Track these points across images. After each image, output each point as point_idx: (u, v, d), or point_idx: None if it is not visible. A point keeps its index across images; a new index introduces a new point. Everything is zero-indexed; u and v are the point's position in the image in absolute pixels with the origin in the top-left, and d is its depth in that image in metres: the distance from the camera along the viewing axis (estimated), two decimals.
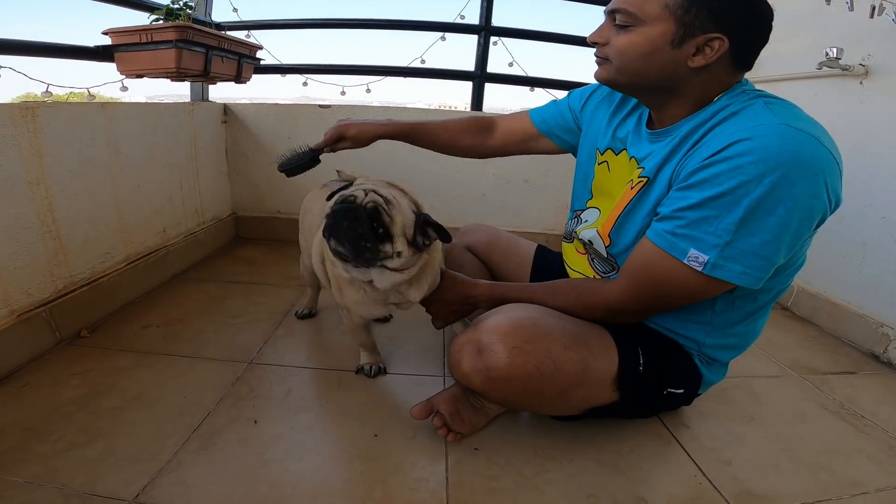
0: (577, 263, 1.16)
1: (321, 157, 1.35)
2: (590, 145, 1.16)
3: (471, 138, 1.34)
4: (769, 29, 0.86)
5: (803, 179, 0.75)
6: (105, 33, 1.64)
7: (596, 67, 0.96)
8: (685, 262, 0.82)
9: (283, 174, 1.33)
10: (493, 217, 2.46)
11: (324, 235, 0.98)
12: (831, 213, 0.82)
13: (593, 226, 1.09)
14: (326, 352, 1.42)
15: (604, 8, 0.93)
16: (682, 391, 1.04)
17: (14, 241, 1.25)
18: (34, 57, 1.48)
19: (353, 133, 1.29)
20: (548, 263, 1.36)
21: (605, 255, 1.04)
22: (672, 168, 0.89)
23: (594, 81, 0.99)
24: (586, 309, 0.98)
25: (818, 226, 0.83)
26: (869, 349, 1.67)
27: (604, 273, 1.07)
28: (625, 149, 1.05)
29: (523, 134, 1.31)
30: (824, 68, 1.79)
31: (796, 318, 1.94)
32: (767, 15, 0.85)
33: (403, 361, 1.39)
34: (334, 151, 1.33)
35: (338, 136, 1.30)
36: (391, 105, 2.58)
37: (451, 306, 1.14)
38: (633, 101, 1.08)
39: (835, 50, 1.73)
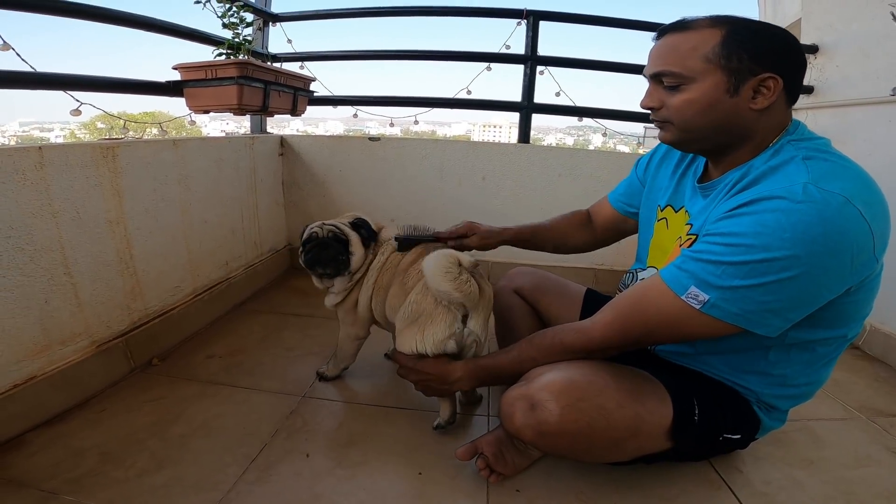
0: None
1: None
2: (651, 204, 1.16)
3: (578, 235, 1.38)
4: (805, 58, 0.87)
5: (826, 258, 0.74)
6: (175, 68, 1.75)
7: (658, 131, 0.97)
8: (683, 297, 0.82)
9: (397, 243, 1.35)
10: (536, 254, 2.44)
11: (307, 265, 1.33)
12: (869, 273, 0.80)
13: None
14: (373, 387, 1.46)
15: (643, 72, 0.94)
16: (738, 437, 1.02)
17: (96, 277, 1.37)
18: (111, 93, 1.60)
19: (482, 233, 1.32)
20: (598, 306, 1.34)
21: None
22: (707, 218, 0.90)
23: (636, 108, 0.99)
24: (567, 351, 0.98)
25: (854, 287, 0.81)
26: None
27: None
28: (683, 206, 1.05)
29: (613, 220, 1.33)
30: None
31: (867, 357, 1.83)
32: (797, 44, 0.86)
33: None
34: (458, 246, 1.31)
35: (464, 233, 1.33)
36: (437, 125, 2.63)
37: (430, 381, 1.13)
38: (688, 158, 1.09)
39: None
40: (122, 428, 1.22)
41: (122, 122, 1.68)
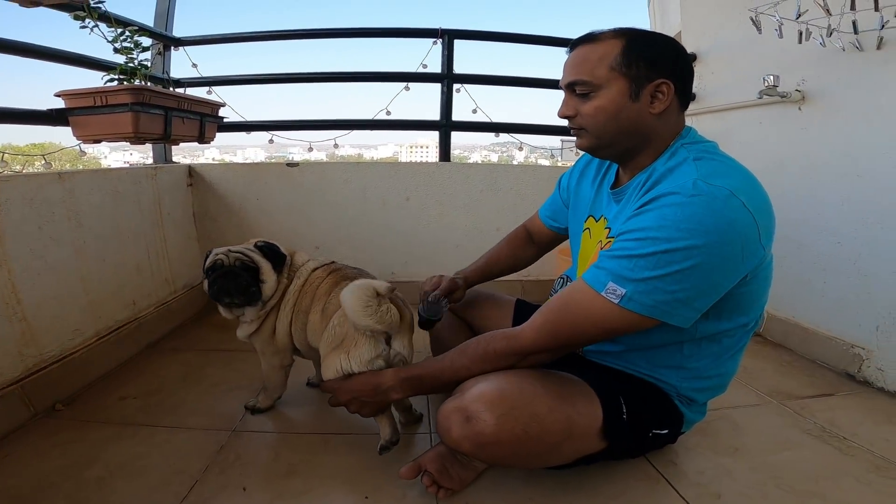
0: None
1: None
2: (576, 218, 1.21)
3: (526, 254, 1.45)
4: (691, 64, 0.97)
5: (720, 247, 0.81)
6: (58, 95, 1.59)
7: (575, 139, 1.03)
8: (602, 293, 0.85)
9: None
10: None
11: (213, 298, 1.24)
12: (759, 262, 0.88)
13: None
14: (308, 414, 1.39)
15: (559, 83, 1.00)
16: (666, 431, 1.06)
17: None
18: None
19: (461, 290, 1.36)
20: (529, 316, 1.36)
21: None
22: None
23: (553, 121, 1.04)
24: (500, 357, 0.98)
25: (748, 275, 0.88)
26: (843, 369, 1.69)
27: None
28: (602, 214, 1.10)
29: (546, 235, 1.40)
30: (764, 96, 1.87)
31: (769, 343, 1.98)
32: (685, 52, 0.95)
33: None
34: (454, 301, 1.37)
35: (450, 289, 1.33)
36: (361, 147, 2.62)
37: (362, 395, 1.09)
38: (604, 168, 1.15)
39: (772, 77, 1.81)
40: (31, 471, 1.10)
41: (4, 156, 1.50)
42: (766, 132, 2.04)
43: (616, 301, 0.84)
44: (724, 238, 0.80)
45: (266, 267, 1.25)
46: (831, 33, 1.62)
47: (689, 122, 1.01)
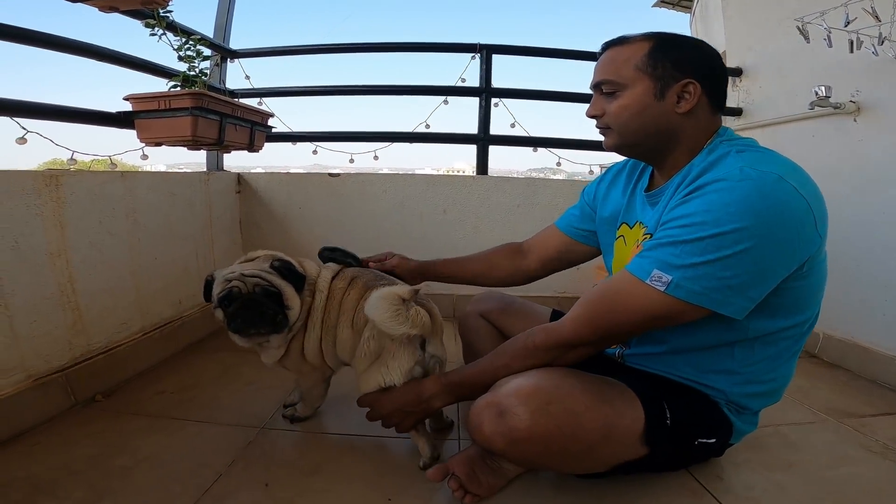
0: None
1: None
2: (607, 227, 1.19)
3: (507, 263, 1.36)
4: (724, 66, 0.97)
5: (773, 229, 0.78)
6: (126, 99, 1.69)
7: (603, 139, 1.04)
8: (647, 281, 0.83)
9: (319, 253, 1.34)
10: None
11: (235, 331, 1.13)
12: (815, 251, 0.85)
13: None
14: (338, 417, 1.39)
15: (589, 84, 1.02)
16: (713, 440, 1.01)
17: (34, 311, 1.28)
18: (60, 122, 1.53)
19: (396, 259, 1.35)
20: None
21: None
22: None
23: (591, 135, 1.05)
24: (540, 351, 0.97)
25: (805, 264, 0.85)
26: None
27: (623, 344, 1.10)
28: (637, 220, 1.09)
29: (558, 247, 1.33)
30: (816, 108, 1.80)
31: (825, 364, 1.88)
32: (714, 53, 0.95)
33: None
34: (380, 268, 1.32)
35: (384, 256, 1.36)
36: (399, 171, 2.67)
37: (405, 407, 1.09)
38: (636, 174, 1.14)
39: (823, 88, 1.75)
40: (57, 459, 1.12)
41: (70, 153, 1.61)
42: (820, 145, 1.96)
43: (662, 288, 0.82)
44: (776, 220, 0.78)
45: (289, 291, 1.13)
46: (882, 41, 1.56)
47: None
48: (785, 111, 2.09)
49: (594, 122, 1.03)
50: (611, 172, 1.23)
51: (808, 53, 1.89)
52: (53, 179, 1.34)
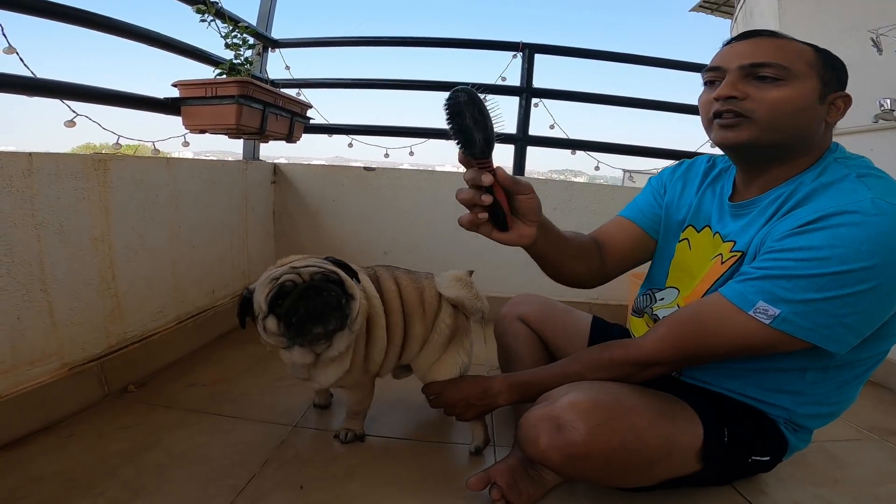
0: None
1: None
2: (672, 223, 1.13)
3: (584, 261, 1.09)
4: None
5: None
6: (175, 85, 1.70)
7: (718, 131, 0.89)
8: (750, 313, 0.80)
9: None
10: (537, 284, 2.39)
11: (298, 332, 0.94)
12: None
13: (674, 303, 1.07)
14: (370, 419, 1.35)
15: (725, 64, 0.88)
16: (767, 458, 0.99)
17: (74, 296, 1.28)
18: (107, 105, 1.53)
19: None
20: (606, 336, 1.27)
21: None
22: (761, 238, 0.87)
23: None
24: (616, 366, 0.96)
25: None
26: None
27: None
28: (707, 226, 1.03)
29: (633, 241, 1.15)
30: (880, 121, 1.74)
31: (870, 382, 1.78)
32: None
33: (457, 430, 1.32)
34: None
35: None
36: (429, 167, 2.64)
37: (470, 399, 1.11)
38: (713, 174, 1.08)
39: (889, 101, 1.70)
40: (91, 454, 1.11)
41: (115, 138, 1.62)
42: (880, 159, 1.86)
43: (767, 322, 0.79)
44: None
45: (346, 277, 1.01)
46: None
47: None
48: (844, 122, 2.00)
49: (718, 104, 0.87)
50: (682, 167, 1.15)
51: (871, 66, 1.83)
52: (102, 164, 1.33)
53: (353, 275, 1.07)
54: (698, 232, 1.05)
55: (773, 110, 0.84)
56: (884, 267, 0.73)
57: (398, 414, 1.37)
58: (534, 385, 1.04)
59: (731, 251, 0.94)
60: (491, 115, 0.72)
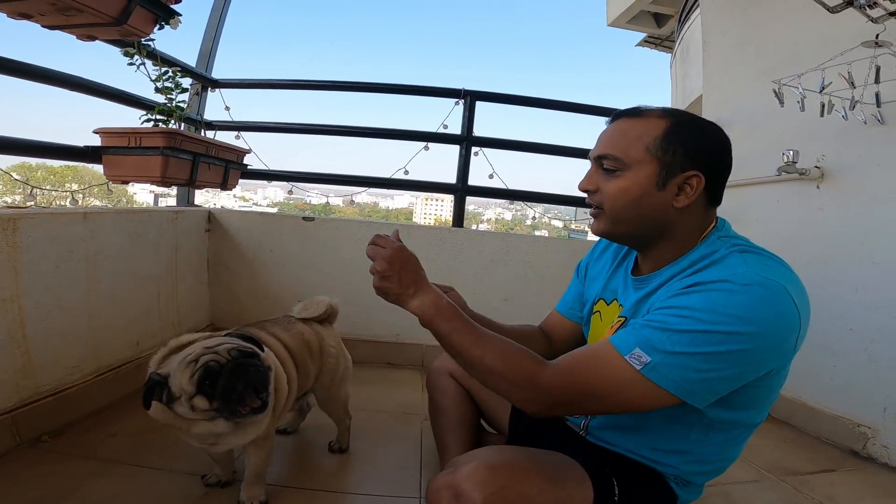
0: None
1: None
2: (589, 299, 1.18)
3: (536, 344, 1.21)
4: (731, 159, 0.93)
5: (763, 339, 0.79)
6: (96, 132, 1.63)
7: (592, 220, 0.98)
8: (626, 357, 0.82)
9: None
10: None
11: (232, 410, 0.98)
12: (789, 359, 0.88)
13: None
14: (299, 469, 1.35)
15: (589, 154, 0.95)
16: None
17: None
18: (20, 156, 1.47)
19: (456, 295, 1.17)
20: None
21: None
22: (649, 302, 0.92)
23: (569, 191, 1.02)
24: (516, 374, 0.88)
25: (773, 370, 0.87)
26: (848, 446, 1.71)
27: (591, 418, 1.09)
28: (615, 298, 1.09)
29: (569, 331, 1.25)
30: (783, 173, 1.84)
31: (773, 420, 1.96)
32: (728, 146, 0.92)
33: (379, 481, 1.32)
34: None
35: (448, 289, 1.16)
36: (381, 204, 2.66)
37: (402, 276, 0.95)
38: (622, 252, 1.13)
39: (791, 153, 1.78)
40: (5, 501, 1.07)
41: (38, 174, 1.56)
42: (782, 211, 2.01)
43: (638, 368, 0.81)
44: (769, 330, 0.79)
45: (259, 352, 1.07)
46: (854, 106, 1.61)
47: None
48: (753, 172, 2.09)
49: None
50: (600, 246, 1.22)
51: (781, 113, 1.89)
52: (11, 223, 1.29)
53: (258, 346, 1.10)
54: (608, 305, 1.11)
55: (613, 202, 0.91)
56: (748, 334, 0.78)
57: (308, 465, 1.37)
58: (446, 324, 0.93)
59: (618, 317, 1.01)
60: None
